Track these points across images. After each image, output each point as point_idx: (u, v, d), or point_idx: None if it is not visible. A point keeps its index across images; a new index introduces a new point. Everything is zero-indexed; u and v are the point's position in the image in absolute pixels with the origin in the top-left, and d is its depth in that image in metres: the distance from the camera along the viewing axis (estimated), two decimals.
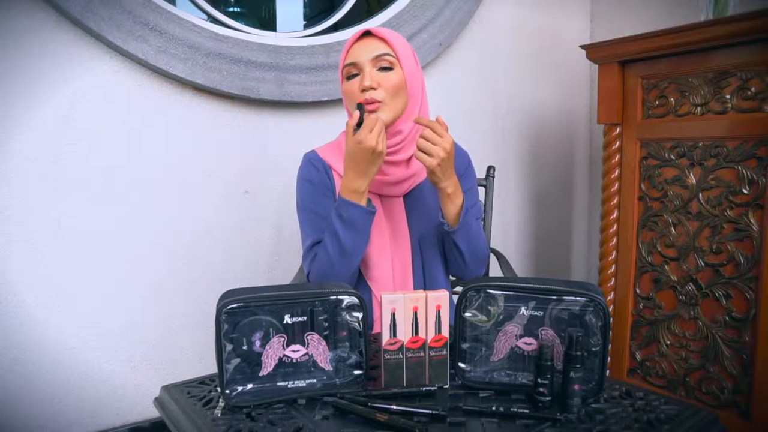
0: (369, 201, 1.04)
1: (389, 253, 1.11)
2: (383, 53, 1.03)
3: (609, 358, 1.31)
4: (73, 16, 1.29)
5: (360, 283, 1.13)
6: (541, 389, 0.76)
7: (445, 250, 1.15)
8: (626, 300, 1.71)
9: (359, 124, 0.99)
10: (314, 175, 1.13)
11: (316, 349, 0.79)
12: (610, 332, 0.93)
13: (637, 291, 1.69)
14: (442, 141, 0.97)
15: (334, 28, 1.79)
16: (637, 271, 1.69)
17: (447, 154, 0.97)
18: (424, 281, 1.14)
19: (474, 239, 1.09)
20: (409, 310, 0.80)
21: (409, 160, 1.11)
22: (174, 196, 1.50)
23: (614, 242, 1.73)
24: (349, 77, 1.06)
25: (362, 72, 1.04)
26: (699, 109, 1.52)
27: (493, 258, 1.56)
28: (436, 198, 1.08)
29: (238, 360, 0.76)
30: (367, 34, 1.06)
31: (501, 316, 0.80)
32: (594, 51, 1.71)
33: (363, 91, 1.03)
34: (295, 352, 0.78)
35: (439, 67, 1.91)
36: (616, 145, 1.70)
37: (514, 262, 2.17)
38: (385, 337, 0.80)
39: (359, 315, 0.79)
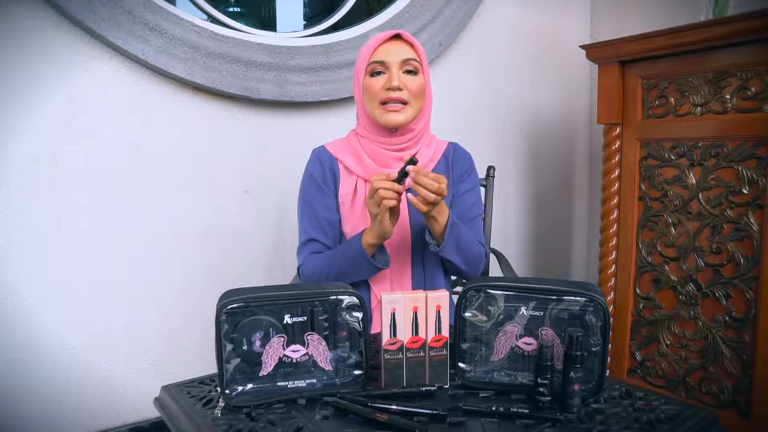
0: (384, 257, 1.08)
1: (388, 245, 1.13)
2: (410, 58, 1.09)
3: (609, 358, 1.31)
4: (73, 16, 1.29)
5: None
6: (541, 389, 0.76)
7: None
8: (626, 300, 1.71)
9: (402, 176, 0.98)
10: (318, 170, 1.17)
11: (316, 349, 0.79)
12: (610, 332, 0.93)
13: (637, 291, 1.69)
14: (443, 188, 0.97)
15: (334, 28, 1.79)
16: (637, 271, 1.69)
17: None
18: (423, 274, 1.16)
19: (464, 246, 1.09)
20: (409, 310, 0.80)
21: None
22: (174, 196, 1.50)
23: (614, 242, 1.73)
24: (374, 74, 1.10)
25: (389, 72, 1.09)
26: (699, 109, 1.52)
27: (493, 258, 1.56)
28: None
29: (238, 360, 0.76)
30: (394, 36, 1.11)
31: (501, 316, 0.80)
32: (594, 51, 1.71)
33: (389, 89, 1.08)
34: (295, 352, 0.78)
35: (439, 67, 1.91)
36: (616, 145, 1.70)
37: (514, 262, 2.17)
38: (385, 337, 0.80)
39: (359, 315, 0.79)
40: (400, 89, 1.08)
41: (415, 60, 1.09)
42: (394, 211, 1.02)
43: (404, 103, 1.09)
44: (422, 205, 0.98)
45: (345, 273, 1.09)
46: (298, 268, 1.17)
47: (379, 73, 1.09)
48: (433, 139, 1.20)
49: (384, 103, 1.09)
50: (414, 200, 0.98)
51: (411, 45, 1.10)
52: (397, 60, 1.08)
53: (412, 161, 0.96)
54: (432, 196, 0.96)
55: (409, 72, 1.09)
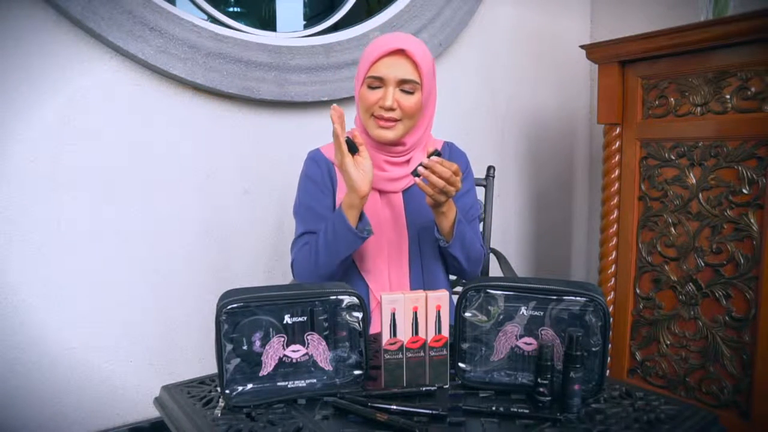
0: (366, 226, 1.04)
1: (386, 245, 1.14)
2: (410, 79, 1.06)
3: (609, 358, 1.31)
4: (73, 16, 1.29)
5: (354, 275, 1.15)
6: (541, 389, 0.76)
7: (443, 255, 1.17)
8: (626, 300, 1.71)
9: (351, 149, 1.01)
10: (316, 172, 1.17)
11: (316, 349, 0.79)
12: (610, 332, 0.93)
13: (637, 291, 1.69)
14: (456, 179, 0.98)
15: (334, 28, 1.79)
16: (637, 271, 1.69)
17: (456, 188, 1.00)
18: (422, 275, 1.16)
19: (468, 244, 1.11)
20: (409, 310, 0.80)
21: (407, 161, 1.16)
22: (174, 196, 1.50)
23: (614, 242, 1.73)
24: (371, 87, 1.08)
25: (385, 89, 1.06)
26: (699, 109, 1.52)
27: (493, 258, 1.56)
28: None
29: (238, 360, 0.76)
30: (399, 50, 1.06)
31: (501, 316, 0.80)
32: (594, 51, 1.71)
33: (381, 108, 1.06)
34: (295, 352, 0.78)
35: (439, 67, 1.91)
36: (616, 145, 1.70)
37: (514, 262, 2.17)
38: (385, 337, 0.80)
39: (359, 315, 0.79)
40: (393, 109, 1.06)
41: (415, 81, 1.06)
42: (361, 165, 1.00)
43: (396, 120, 1.08)
44: (429, 189, 0.98)
45: (332, 249, 1.05)
46: (291, 264, 1.15)
47: (376, 86, 1.07)
48: (429, 140, 1.21)
49: (376, 116, 1.08)
50: (422, 184, 0.98)
51: (415, 64, 1.06)
52: (395, 77, 1.05)
53: (436, 152, 0.98)
54: (441, 183, 0.96)
55: (405, 91, 1.07)
